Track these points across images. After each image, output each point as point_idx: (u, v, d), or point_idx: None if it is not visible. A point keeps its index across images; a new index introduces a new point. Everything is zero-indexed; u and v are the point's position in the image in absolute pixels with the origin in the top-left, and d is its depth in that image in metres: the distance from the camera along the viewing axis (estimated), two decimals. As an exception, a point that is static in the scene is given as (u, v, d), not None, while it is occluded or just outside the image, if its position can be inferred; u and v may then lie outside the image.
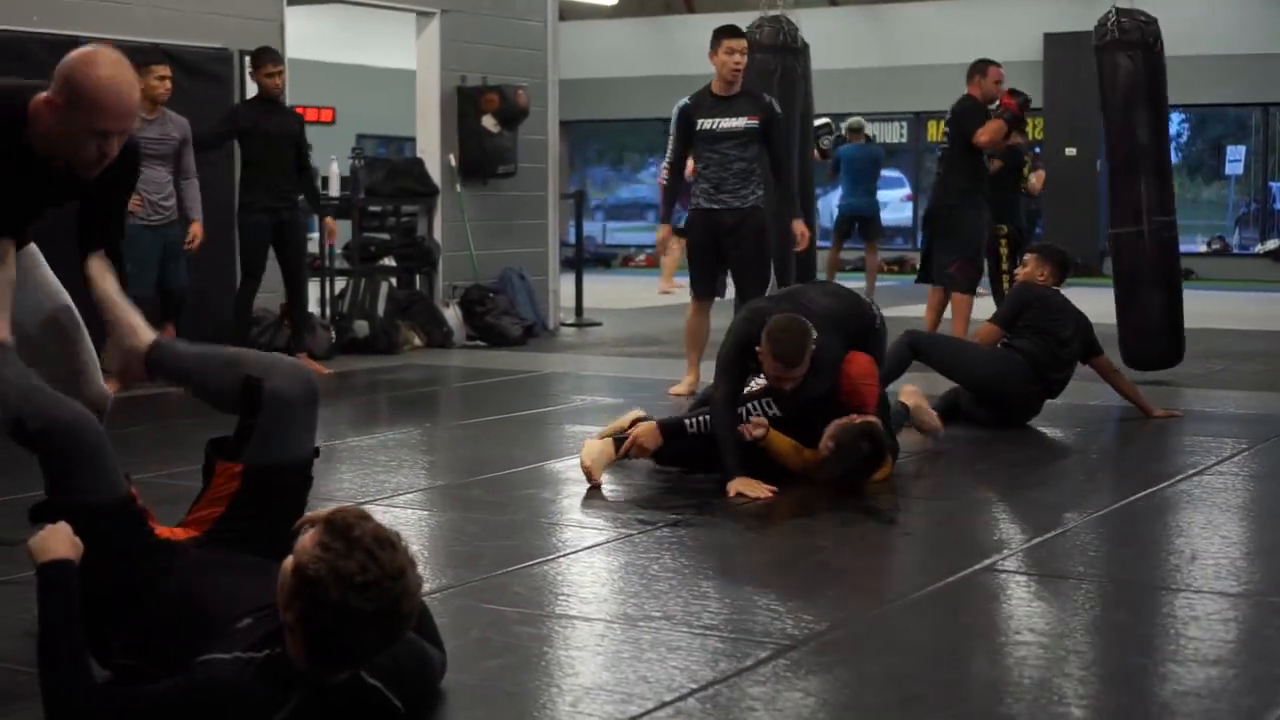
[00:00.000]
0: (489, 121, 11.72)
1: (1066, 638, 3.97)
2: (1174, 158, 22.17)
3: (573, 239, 14.28)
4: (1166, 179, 9.22)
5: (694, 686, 3.47)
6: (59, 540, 3.13)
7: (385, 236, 11.56)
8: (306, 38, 13.46)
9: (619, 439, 5.98)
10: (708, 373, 6.97)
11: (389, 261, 11.34)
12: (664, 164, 8.56)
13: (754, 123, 8.22)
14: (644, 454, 5.97)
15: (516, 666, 3.63)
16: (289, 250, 9.27)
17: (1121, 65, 9.02)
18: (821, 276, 12.09)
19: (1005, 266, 11.30)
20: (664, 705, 3.34)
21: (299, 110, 10.13)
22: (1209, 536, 5.12)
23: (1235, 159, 21.33)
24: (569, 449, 6.69)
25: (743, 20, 9.92)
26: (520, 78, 12.08)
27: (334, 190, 11.22)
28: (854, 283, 14.95)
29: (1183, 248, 22.11)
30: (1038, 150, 17.26)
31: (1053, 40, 19.73)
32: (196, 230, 8.68)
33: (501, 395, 8.82)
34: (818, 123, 11.85)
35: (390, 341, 10.66)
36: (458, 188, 11.78)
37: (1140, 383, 8.08)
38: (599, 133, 24.97)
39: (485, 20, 12.02)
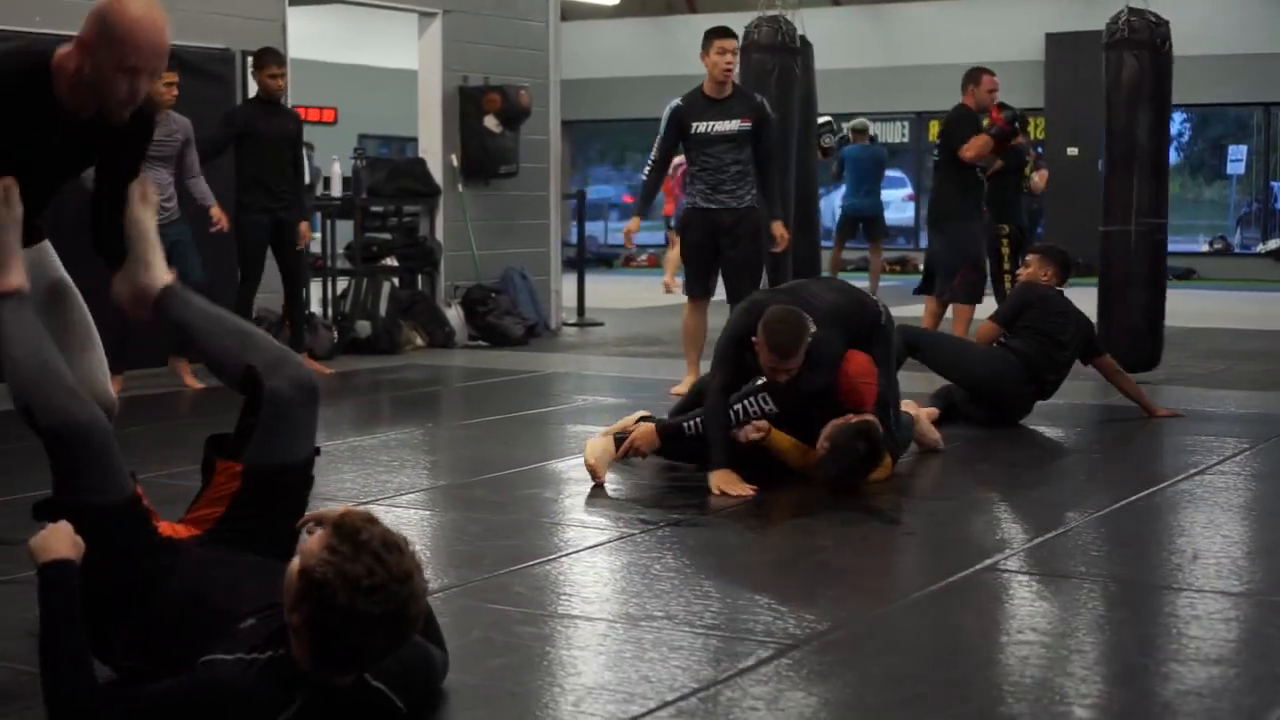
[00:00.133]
0: (491, 121, 11.73)
1: (1068, 637, 3.97)
2: (1175, 157, 22.32)
3: (574, 239, 14.29)
4: (1162, 182, 9.18)
5: (696, 686, 3.47)
6: (60, 540, 3.13)
7: (387, 236, 11.57)
8: (308, 38, 13.46)
9: (620, 438, 5.99)
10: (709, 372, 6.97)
11: (391, 261, 11.34)
12: (649, 160, 8.55)
13: (747, 125, 8.25)
14: (641, 455, 5.98)
15: (519, 666, 3.63)
16: (287, 250, 9.28)
17: (1127, 65, 9.02)
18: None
19: (1007, 266, 11.29)
20: (666, 705, 3.34)
21: (300, 110, 10.14)
22: (1210, 536, 5.12)
23: (1237, 159, 21.33)
24: (571, 449, 6.69)
25: (744, 20, 9.94)
26: (522, 78, 12.08)
27: (336, 190, 11.23)
28: (857, 283, 14.98)
29: (1184, 247, 22.15)
30: (1040, 150, 17.25)
31: (1054, 40, 19.73)
32: (217, 213, 8.76)
33: (503, 395, 8.82)
34: (819, 120, 11.84)
35: (392, 341, 10.67)
36: (460, 188, 11.78)
37: (1140, 383, 8.08)
38: (601, 133, 24.97)
39: (487, 20, 12.02)
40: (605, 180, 25.86)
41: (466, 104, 11.76)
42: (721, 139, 8.25)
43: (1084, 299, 8.35)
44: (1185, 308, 14.30)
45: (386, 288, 10.92)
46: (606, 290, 15.78)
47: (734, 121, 8.24)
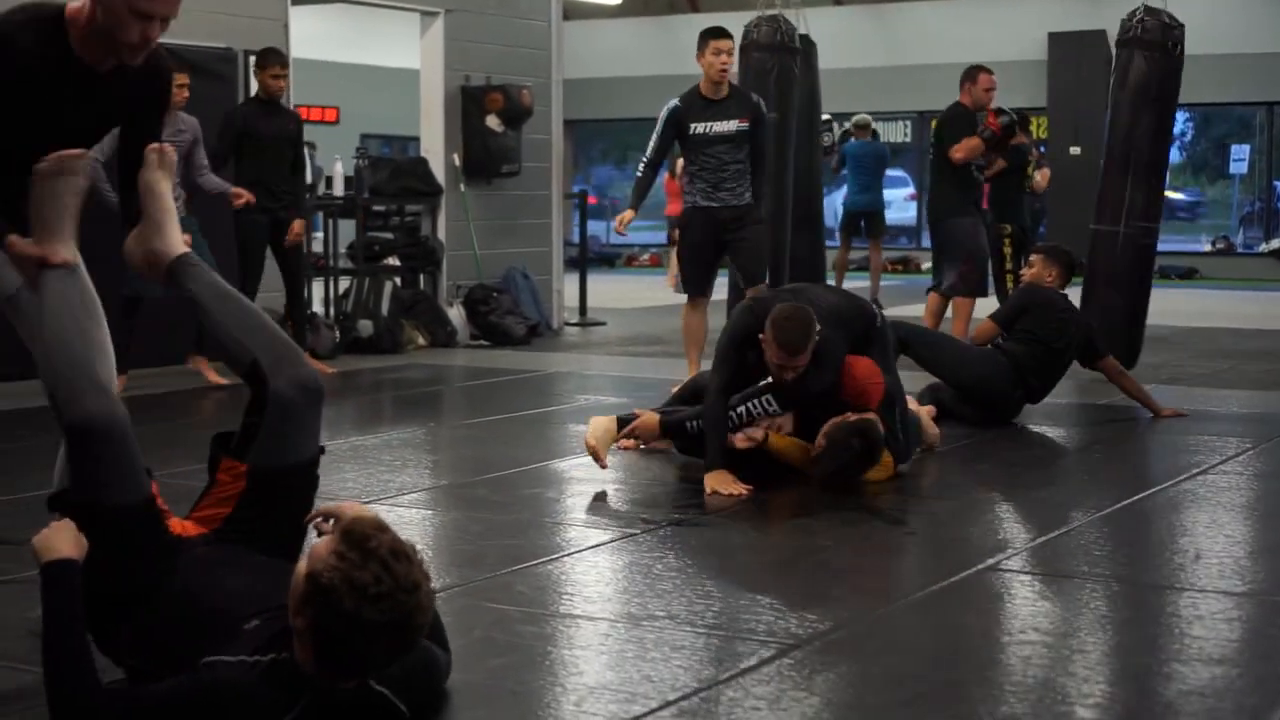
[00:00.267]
0: (493, 121, 11.73)
1: (1070, 637, 3.96)
2: (1178, 156, 22.31)
3: (576, 238, 14.29)
4: (1158, 185, 9.13)
5: (698, 686, 3.47)
6: (63, 539, 3.13)
7: (389, 236, 11.57)
8: (311, 37, 13.47)
9: (624, 419, 6.03)
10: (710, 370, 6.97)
11: (393, 261, 11.35)
12: (643, 158, 8.56)
13: (744, 125, 8.26)
14: (641, 443, 6.02)
15: (520, 665, 3.63)
16: (287, 249, 9.28)
17: (1136, 64, 8.99)
18: (830, 276, 12.09)
19: (1009, 266, 11.29)
20: (668, 704, 3.34)
21: (302, 110, 10.13)
22: (1213, 536, 5.12)
23: (1240, 158, 21.32)
24: (573, 449, 6.69)
25: (746, 19, 9.94)
26: (524, 77, 12.09)
27: (338, 190, 11.23)
28: (859, 282, 14.89)
29: (1187, 247, 22.10)
30: (1043, 149, 17.24)
31: (1057, 39, 19.72)
32: (237, 190, 8.77)
33: (505, 395, 8.82)
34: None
35: (394, 341, 10.67)
36: (462, 187, 11.78)
37: (1145, 382, 8.07)
38: (603, 132, 24.97)
39: (489, 20, 12.02)
40: (608, 180, 25.86)
41: (469, 103, 11.76)
42: (720, 139, 8.26)
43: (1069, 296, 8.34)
44: (1188, 307, 14.33)
45: (388, 287, 10.92)
46: (608, 290, 15.78)
47: (732, 122, 8.26)
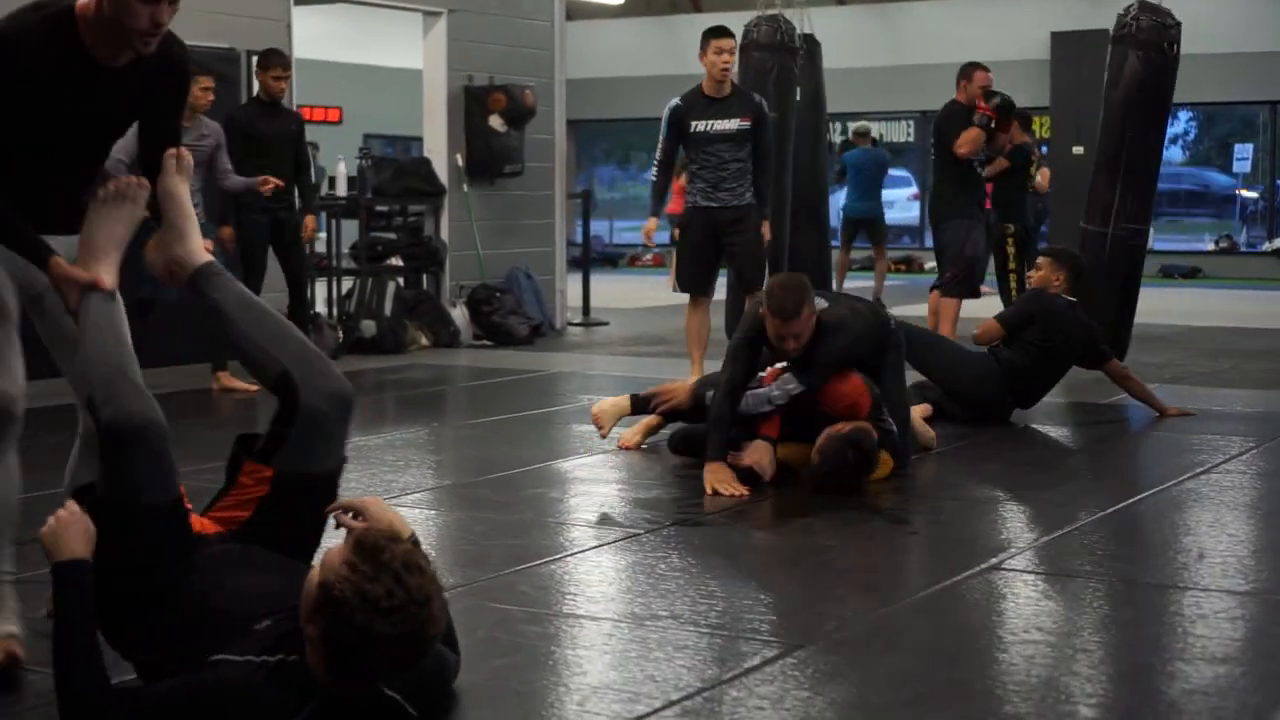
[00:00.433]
0: (496, 121, 11.73)
1: (1074, 636, 3.96)
2: (1181, 155, 22.28)
3: (579, 238, 14.29)
4: (1148, 186, 9.04)
5: (701, 685, 3.47)
6: (73, 535, 3.13)
7: (392, 236, 11.58)
8: (313, 37, 13.47)
9: (637, 398, 6.17)
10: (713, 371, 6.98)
11: (396, 261, 11.35)
12: (654, 161, 8.59)
13: (746, 124, 8.26)
14: (667, 408, 6.06)
15: (524, 665, 3.63)
16: (288, 250, 9.28)
17: (1130, 63, 8.88)
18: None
19: (1013, 265, 11.29)
20: (671, 704, 3.34)
21: (305, 110, 10.14)
22: (1216, 535, 5.12)
23: (1243, 157, 21.30)
24: (576, 448, 6.69)
25: (749, 19, 9.94)
26: (527, 77, 12.09)
27: (341, 190, 11.23)
28: (862, 283, 14.88)
29: (1190, 246, 22.07)
30: (1044, 149, 17.24)
31: (1060, 39, 19.71)
32: (263, 178, 8.73)
33: (508, 395, 8.82)
34: None
35: (397, 341, 10.68)
36: (464, 187, 11.79)
37: (1148, 381, 8.07)
38: (606, 132, 24.97)
39: (492, 20, 12.02)
40: (611, 180, 25.88)
41: (471, 103, 11.77)
42: (721, 138, 8.27)
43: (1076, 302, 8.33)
44: (1191, 306, 14.32)
45: (391, 287, 10.93)
46: (611, 289, 15.78)
47: (733, 121, 8.26)
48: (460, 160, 11.74)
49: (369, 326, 10.69)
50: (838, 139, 14.46)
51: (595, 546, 4.89)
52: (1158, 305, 13.27)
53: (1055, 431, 7.40)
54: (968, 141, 9.43)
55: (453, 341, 11.12)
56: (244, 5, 10.06)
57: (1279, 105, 20.37)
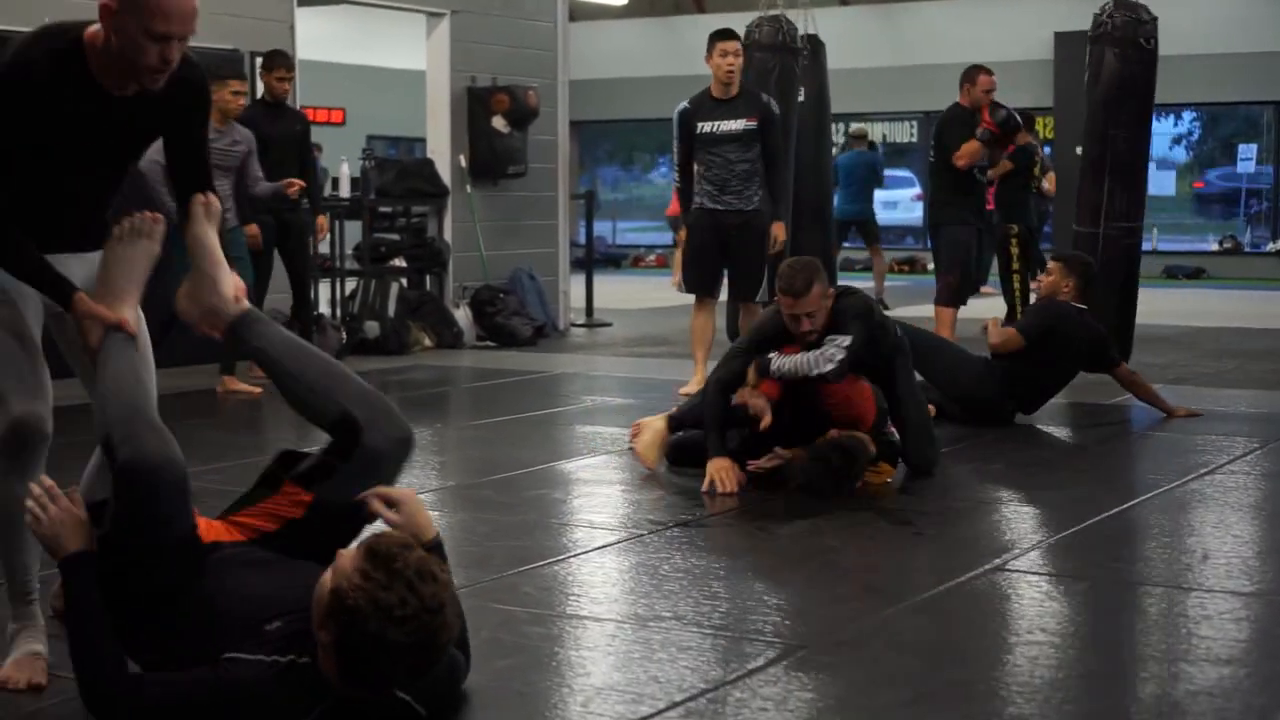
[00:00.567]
0: (499, 122, 11.73)
1: (1077, 637, 3.96)
2: (1184, 155, 22.26)
3: (583, 239, 14.30)
4: (1136, 184, 9.00)
5: (705, 686, 3.47)
6: (72, 531, 3.13)
7: (395, 237, 11.57)
8: (317, 39, 13.48)
9: (675, 419, 6.13)
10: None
11: (399, 262, 11.35)
12: (675, 167, 8.62)
13: (752, 124, 8.26)
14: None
15: (527, 667, 3.63)
16: (293, 251, 9.29)
17: (1106, 60, 8.87)
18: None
19: (1016, 266, 11.30)
20: (675, 705, 3.34)
21: (308, 111, 10.14)
22: (1221, 535, 5.11)
23: (1247, 157, 21.29)
24: (580, 450, 6.69)
25: (752, 20, 9.94)
26: (530, 78, 12.09)
27: (344, 191, 11.24)
28: (862, 283, 14.96)
29: (1194, 246, 22.02)
30: (1047, 150, 17.25)
31: (1063, 39, 19.69)
32: (289, 180, 8.79)
33: (512, 396, 8.82)
34: None
35: (400, 342, 10.68)
36: (468, 188, 11.79)
37: (1152, 382, 8.06)
38: (609, 133, 24.98)
39: (495, 21, 12.03)
40: (614, 181, 25.88)
41: (474, 104, 11.77)
42: (727, 139, 8.27)
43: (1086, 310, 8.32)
44: (1194, 307, 14.32)
45: (395, 288, 10.93)
46: (615, 290, 15.78)
47: (739, 121, 8.25)
48: (463, 161, 11.74)
49: (372, 328, 10.69)
50: (839, 139, 14.50)
51: (598, 547, 4.89)
52: (1161, 306, 13.27)
53: (1058, 432, 7.39)
54: (966, 154, 9.40)
55: (456, 343, 11.12)
56: (247, 7, 10.07)
57: (1281, 105, 20.37)
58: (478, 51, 11.86)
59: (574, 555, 4.80)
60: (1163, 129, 21.39)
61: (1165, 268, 19.66)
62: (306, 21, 10.95)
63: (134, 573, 3.13)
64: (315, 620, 2.91)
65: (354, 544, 3.13)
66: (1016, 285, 11.24)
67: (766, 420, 5.68)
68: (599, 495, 5.82)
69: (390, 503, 3.30)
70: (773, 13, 9.87)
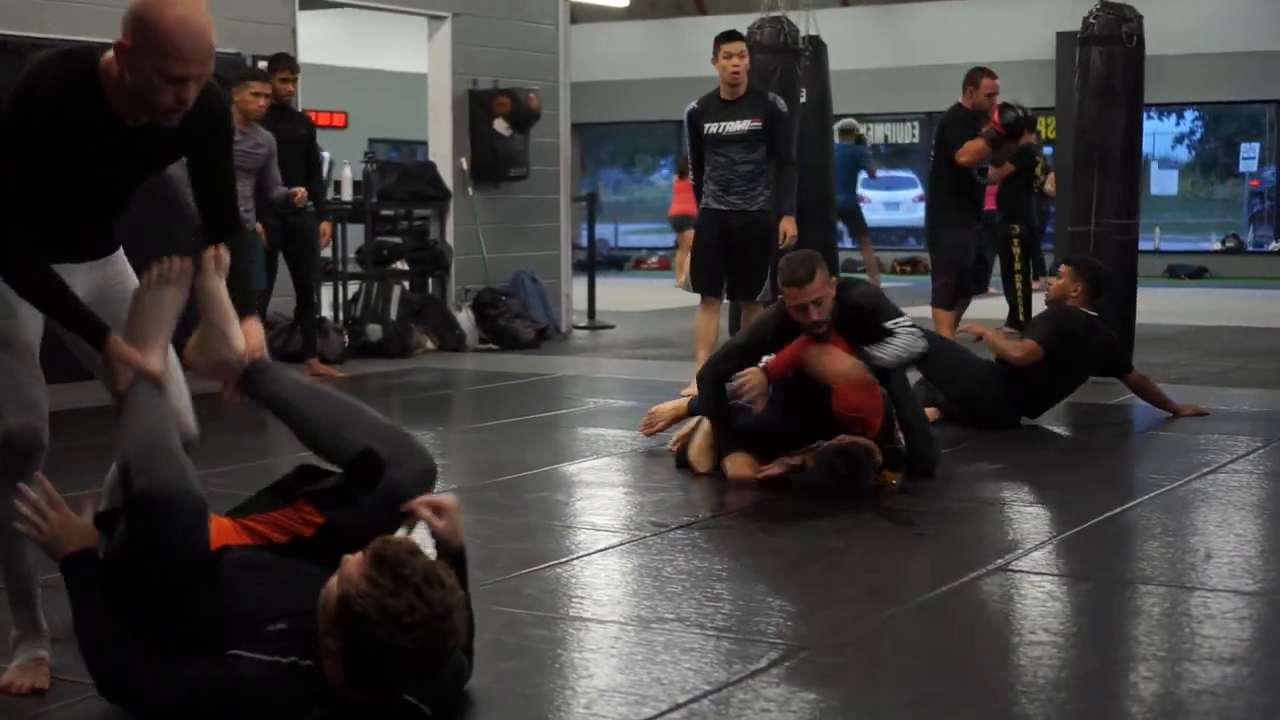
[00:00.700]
0: (501, 125, 11.74)
1: (1080, 637, 3.96)
2: (1187, 155, 22.25)
3: (585, 242, 14.30)
4: (1128, 181, 9.00)
5: (708, 688, 3.48)
6: (73, 533, 3.14)
7: (398, 240, 11.58)
8: (319, 42, 13.49)
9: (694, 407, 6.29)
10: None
11: (401, 265, 11.35)
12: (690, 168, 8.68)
13: (758, 124, 8.26)
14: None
15: (530, 669, 3.64)
16: (298, 255, 9.29)
17: (1093, 59, 8.95)
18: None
19: (1018, 266, 11.29)
20: (678, 707, 3.34)
21: (310, 114, 10.15)
22: (1224, 535, 5.11)
23: (1249, 156, 21.28)
24: (582, 452, 6.70)
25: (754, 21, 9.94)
26: (532, 80, 12.09)
27: (347, 194, 11.25)
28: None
29: (1197, 245, 22.00)
30: (1049, 150, 17.24)
31: (1065, 39, 19.65)
32: (294, 189, 8.83)
33: (514, 398, 8.83)
34: None
35: (403, 345, 10.68)
36: (470, 191, 11.79)
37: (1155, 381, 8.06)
38: (611, 135, 24.98)
39: (496, 23, 12.03)
40: (616, 183, 25.89)
41: (476, 107, 11.77)
42: (732, 139, 8.28)
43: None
44: (1197, 306, 14.32)
45: (397, 291, 10.94)
46: (617, 292, 15.79)
47: (743, 122, 8.27)
48: (465, 164, 11.75)
49: (374, 330, 10.70)
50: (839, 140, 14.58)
51: (601, 550, 4.90)
52: (1164, 305, 13.27)
53: (1061, 432, 7.39)
54: (970, 152, 9.35)
55: (458, 345, 11.12)
56: (249, 10, 10.07)
57: (1282, 105, 20.36)
58: (479, 54, 11.86)
59: (577, 557, 4.80)
60: (1165, 129, 21.39)
61: (1168, 267, 19.66)
62: (308, 25, 10.95)
63: (137, 586, 3.13)
64: (322, 626, 2.91)
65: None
66: (1018, 286, 11.23)
67: (762, 403, 5.81)
68: (602, 497, 5.82)
69: (438, 510, 3.31)
70: (774, 14, 9.87)
